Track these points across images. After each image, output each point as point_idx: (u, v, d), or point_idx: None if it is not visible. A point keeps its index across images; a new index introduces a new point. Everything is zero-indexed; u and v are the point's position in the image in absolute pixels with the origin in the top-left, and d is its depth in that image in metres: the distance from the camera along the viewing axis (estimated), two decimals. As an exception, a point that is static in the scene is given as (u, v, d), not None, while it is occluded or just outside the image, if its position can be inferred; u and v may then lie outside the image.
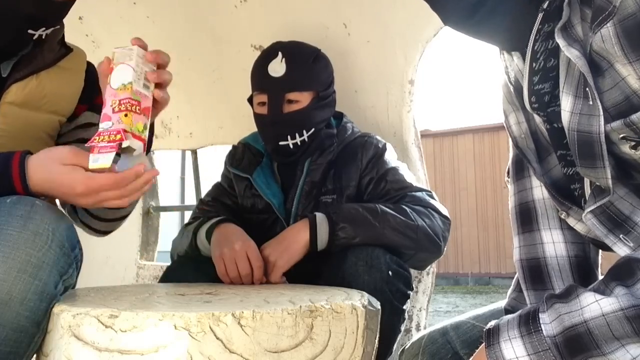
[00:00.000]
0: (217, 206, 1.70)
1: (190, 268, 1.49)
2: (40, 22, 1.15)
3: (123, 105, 1.01)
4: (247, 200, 1.66)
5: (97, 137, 1.00)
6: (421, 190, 1.54)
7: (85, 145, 1.02)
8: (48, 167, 1.03)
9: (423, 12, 1.91)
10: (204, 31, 2.39)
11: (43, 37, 1.17)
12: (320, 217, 1.41)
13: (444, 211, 1.51)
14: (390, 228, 1.39)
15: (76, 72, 1.29)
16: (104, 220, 1.29)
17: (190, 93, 2.59)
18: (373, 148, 1.62)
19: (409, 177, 1.58)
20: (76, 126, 1.31)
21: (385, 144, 1.65)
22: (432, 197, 1.53)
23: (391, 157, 1.62)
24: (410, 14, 1.94)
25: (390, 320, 1.35)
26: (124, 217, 1.31)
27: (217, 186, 1.77)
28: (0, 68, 1.18)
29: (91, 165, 0.98)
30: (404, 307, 1.41)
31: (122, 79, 1.03)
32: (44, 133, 1.24)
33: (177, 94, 2.62)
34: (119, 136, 0.98)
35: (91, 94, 1.30)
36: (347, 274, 1.32)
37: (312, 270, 1.41)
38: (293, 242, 1.40)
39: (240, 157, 1.72)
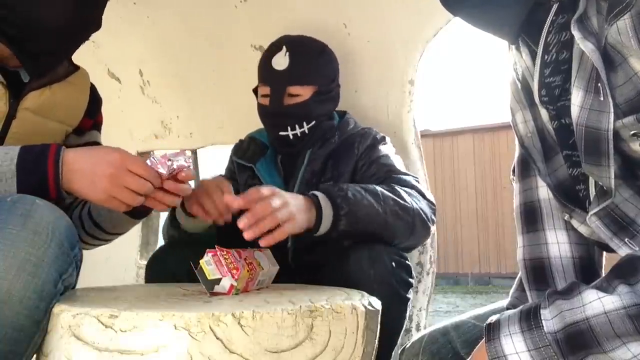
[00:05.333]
0: None
1: (173, 257, 1.48)
2: (92, 28, 1.30)
3: (249, 267, 1.12)
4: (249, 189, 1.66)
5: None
6: (407, 174, 1.54)
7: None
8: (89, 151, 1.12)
9: (423, 12, 1.92)
10: (203, 31, 2.39)
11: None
12: (323, 200, 1.32)
13: (430, 197, 1.50)
14: (392, 213, 1.35)
15: (83, 87, 1.41)
16: (106, 235, 1.38)
17: (190, 93, 2.59)
18: (371, 139, 1.64)
19: (399, 165, 1.58)
20: (85, 142, 1.41)
21: (384, 137, 1.67)
22: (418, 183, 1.52)
23: (387, 148, 1.64)
24: (410, 14, 1.94)
25: (398, 310, 1.36)
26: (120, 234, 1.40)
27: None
28: (20, 73, 1.27)
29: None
30: (408, 295, 1.41)
31: (264, 264, 1.19)
32: (51, 140, 1.30)
33: (177, 94, 2.63)
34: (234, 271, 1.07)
35: (94, 109, 1.44)
36: (352, 270, 1.31)
37: (311, 266, 1.41)
38: (301, 216, 1.28)
39: (246, 148, 1.75)
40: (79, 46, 1.31)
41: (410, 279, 1.42)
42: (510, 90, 1.06)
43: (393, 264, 1.35)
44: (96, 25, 1.31)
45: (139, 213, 1.29)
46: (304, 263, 1.46)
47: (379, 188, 1.39)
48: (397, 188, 1.42)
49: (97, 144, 1.45)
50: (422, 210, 1.42)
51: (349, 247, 1.36)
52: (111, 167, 1.07)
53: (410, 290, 1.42)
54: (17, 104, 1.24)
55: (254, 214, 1.20)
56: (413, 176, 1.54)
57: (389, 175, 1.50)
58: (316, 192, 1.34)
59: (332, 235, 1.33)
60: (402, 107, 2.02)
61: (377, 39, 2.03)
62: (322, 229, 1.32)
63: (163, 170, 1.12)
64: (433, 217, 1.46)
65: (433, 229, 1.47)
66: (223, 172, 1.81)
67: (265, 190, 1.25)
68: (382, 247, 1.35)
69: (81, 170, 1.07)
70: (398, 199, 1.38)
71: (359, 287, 1.22)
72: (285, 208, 1.23)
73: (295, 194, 1.33)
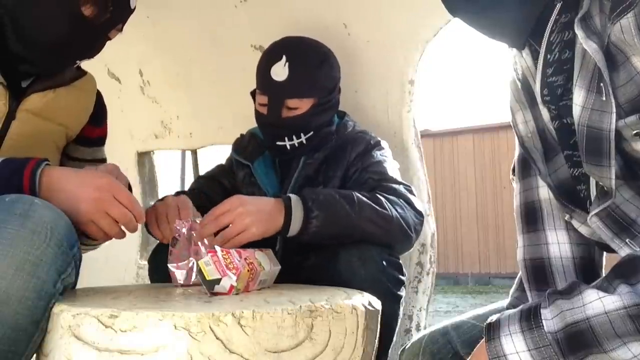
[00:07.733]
0: (209, 184, 1.73)
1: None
2: (91, 54, 1.31)
3: (249, 267, 1.11)
4: (246, 188, 1.68)
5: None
6: (400, 183, 1.51)
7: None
8: (70, 170, 1.11)
9: (423, 12, 1.92)
10: (204, 31, 2.39)
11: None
12: (295, 202, 1.34)
13: (419, 206, 1.48)
14: (366, 219, 1.35)
15: (88, 93, 1.42)
16: None
17: (190, 93, 2.59)
18: (364, 143, 1.62)
19: (392, 172, 1.55)
20: (93, 159, 1.45)
21: (378, 141, 1.65)
22: (410, 192, 1.50)
23: (381, 153, 1.61)
24: (410, 14, 1.94)
25: (391, 308, 1.37)
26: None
27: (218, 166, 1.80)
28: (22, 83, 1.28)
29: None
30: (400, 292, 1.41)
31: (265, 264, 1.19)
32: (52, 142, 1.34)
33: (177, 94, 2.63)
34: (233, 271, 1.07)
35: (100, 116, 1.47)
36: (343, 270, 1.32)
37: (300, 268, 1.41)
38: (271, 219, 1.32)
39: (246, 145, 1.75)
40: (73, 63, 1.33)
41: (402, 277, 1.42)
42: (510, 90, 1.06)
43: (384, 262, 1.35)
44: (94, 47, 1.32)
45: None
46: (293, 265, 1.46)
47: (357, 194, 1.38)
48: (379, 196, 1.40)
49: (104, 160, 1.48)
50: (404, 219, 1.40)
51: (338, 247, 1.36)
52: (98, 191, 1.06)
53: (403, 287, 1.43)
54: (17, 105, 1.24)
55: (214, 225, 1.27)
56: (405, 185, 1.51)
57: (380, 184, 1.48)
58: (291, 195, 1.35)
59: (304, 238, 1.34)
60: (402, 107, 2.02)
61: (377, 39, 2.03)
62: (293, 230, 1.33)
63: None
64: (418, 227, 1.45)
65: (415, 238, 1.45)
66: (224, 162, 1.82)
67: (226, 204, 1.28)
68: (370, 246, 1.35)
69: (65, 190, 1.05)
70: (376, 207, 1.37)
71: (349, 287, 1.22)
72: (241, 220, 1.26)
73: (268, 198, 1.36)
